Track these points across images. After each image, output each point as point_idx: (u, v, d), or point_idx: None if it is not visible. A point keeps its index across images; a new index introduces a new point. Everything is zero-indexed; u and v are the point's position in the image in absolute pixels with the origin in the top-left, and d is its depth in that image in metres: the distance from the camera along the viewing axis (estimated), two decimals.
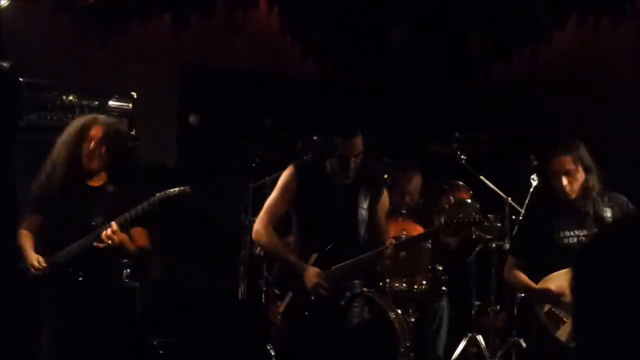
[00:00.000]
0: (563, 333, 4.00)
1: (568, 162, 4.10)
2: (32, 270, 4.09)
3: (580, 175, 4.11)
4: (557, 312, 4.03)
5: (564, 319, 3.99)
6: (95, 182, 4.20)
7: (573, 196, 4.11)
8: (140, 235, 4.19)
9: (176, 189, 4.04)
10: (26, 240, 4.20)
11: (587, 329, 1.39)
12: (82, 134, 4.14)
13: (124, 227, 4.04)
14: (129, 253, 4.14)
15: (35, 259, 4.10)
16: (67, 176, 4.12)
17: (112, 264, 4.17)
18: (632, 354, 1.32)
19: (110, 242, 3.96)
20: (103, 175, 4.20)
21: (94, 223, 4.07)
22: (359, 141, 4.13)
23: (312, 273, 4.07)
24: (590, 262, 1.44)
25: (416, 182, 5.94)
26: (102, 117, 4.32)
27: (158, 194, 4.01)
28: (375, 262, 4.13)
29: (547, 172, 4.24)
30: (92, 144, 4.12)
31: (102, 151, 4.14)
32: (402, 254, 4.12)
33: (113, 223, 3.99)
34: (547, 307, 4.09)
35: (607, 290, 1.36)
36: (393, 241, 4.18)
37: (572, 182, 4.10)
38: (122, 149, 4.24)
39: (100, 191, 4.18)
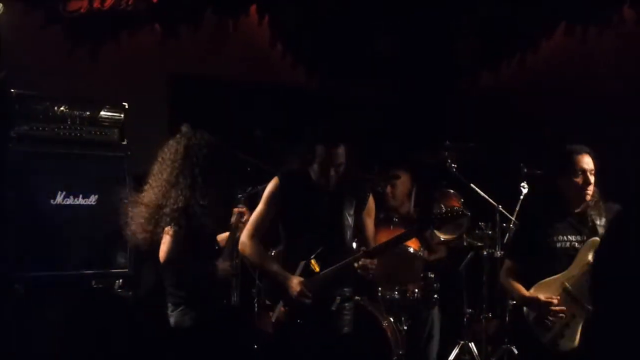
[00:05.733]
0: (549, 339, 4.01)
1: (592, 162, 4.10)
2: None
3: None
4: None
5: (552, 326, 4.00)
6: None
7: (589, 199, 4.08)
8: None
9: None
10: None
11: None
12: None
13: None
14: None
15: None
16: None
17: None
18: None
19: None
20: None
21: None
22: (341, 151, 4.12)
23: (295, 282, 4.06)
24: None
25: (405, 181, 6.00)
26: None
27: None
28: (355, 267, 4.09)
29: (564, 172, 4.08)
30: None
31: None
32: (375, 261, 4.05)
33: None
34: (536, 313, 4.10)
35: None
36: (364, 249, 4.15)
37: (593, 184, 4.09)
38: None
39: None
